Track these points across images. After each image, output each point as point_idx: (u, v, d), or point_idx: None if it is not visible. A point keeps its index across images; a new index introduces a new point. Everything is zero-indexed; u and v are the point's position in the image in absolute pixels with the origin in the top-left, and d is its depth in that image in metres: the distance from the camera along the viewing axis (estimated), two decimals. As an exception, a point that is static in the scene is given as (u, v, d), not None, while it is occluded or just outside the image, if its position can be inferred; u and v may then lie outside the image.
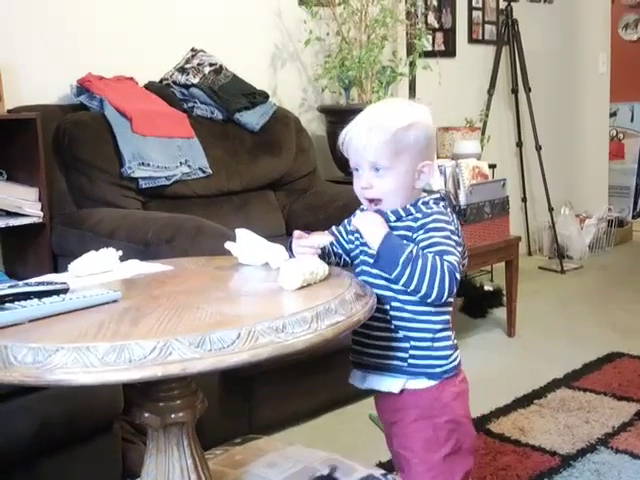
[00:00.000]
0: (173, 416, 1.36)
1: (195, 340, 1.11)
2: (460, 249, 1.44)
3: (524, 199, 5.04)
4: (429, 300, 1.38)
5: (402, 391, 1.48)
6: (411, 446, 1.48)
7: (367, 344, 1.50)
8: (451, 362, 1.49)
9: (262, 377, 2.41)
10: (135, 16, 3.15)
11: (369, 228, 1.42)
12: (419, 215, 1.44)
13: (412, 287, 1.37)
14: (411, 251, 1.36)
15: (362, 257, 1.51)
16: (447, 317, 1.49)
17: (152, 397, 1.36)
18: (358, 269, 1.52)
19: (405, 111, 1.46)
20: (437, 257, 1.36)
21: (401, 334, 1.46)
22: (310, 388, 2.60)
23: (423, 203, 1.46)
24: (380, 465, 2.19)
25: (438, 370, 1.47)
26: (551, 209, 4.77)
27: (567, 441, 2.41)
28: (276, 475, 1.63)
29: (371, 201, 1.47)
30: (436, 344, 1.47)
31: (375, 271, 1.47)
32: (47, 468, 1.89)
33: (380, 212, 1.46)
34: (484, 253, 3.29)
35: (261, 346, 1.15)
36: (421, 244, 1.40)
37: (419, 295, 1.38)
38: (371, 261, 1.46)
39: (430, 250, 1.38)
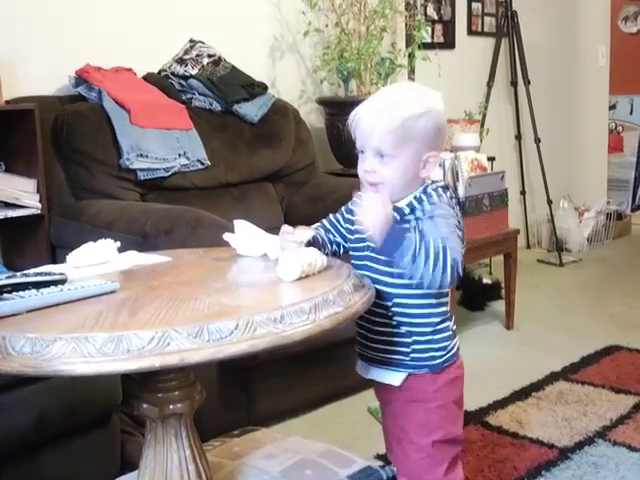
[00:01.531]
0: (171, 407, 1.36)
1: (193, 330, 1.11)
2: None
3: (523, 192, 5.04)
4: (432, 287, 1.37)
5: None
6: (404, 426, 1.50)
7: (370, 338, 1.51)
8: (450, 351, 1.50)
9: (261, 369, 2.41)
10: (134, 7, 3.14)
11: (371, 218, 1.37)
12: (428, 205, 1.43)
13: (415, 275, 1.35)
14: (415, 244, 1.34)
15: (368, 253, 1.49)
16: (446, 308, 1.50)
17: (150, 388, 1.36)
18: (362, 262, 1.51)
19: (418, 99, 1.43)
20: (440, 244, 1.35)
21: (403, 330, 1.47)
22: (309, 380, 2.60)
23: (433, 190, 1.45)
24: (378, 457, 2.19)
25: (439, 361, 1.48)
26: (550, 202, 4.77)
27: (565, 434, 2.42)
28: (274, 466, 1.63)
29: (372, 184, 1.46)
30: (437, 336, 1.48)
31: (378, 267, 1.46)
32: (45, 460, 1.89)
33: (395, 208, 1.44)
34: (483, 246, 3.29)
35: (259, 337, 1.14)
36: (426, 229, 1.39)
37: (422, 283, 1.36)
38: (376, 257, 1.46)
39: (434, 238, 1.37)
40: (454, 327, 1.53)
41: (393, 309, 1.47)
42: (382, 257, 1.45)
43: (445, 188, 1.46)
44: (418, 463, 1.50)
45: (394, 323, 1.47)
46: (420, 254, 1.33)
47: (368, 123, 1.42)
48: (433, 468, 1.50)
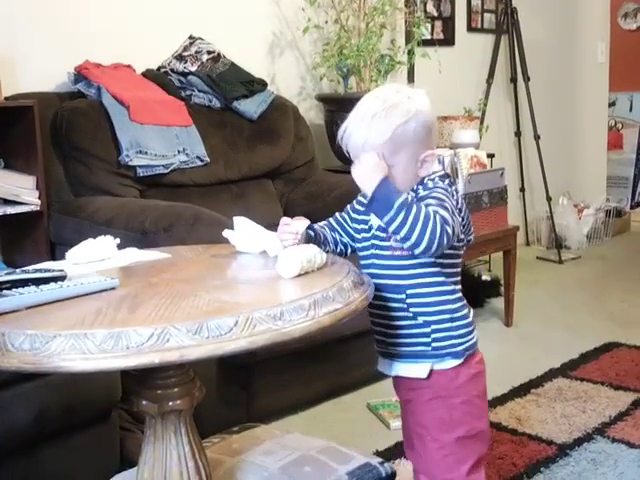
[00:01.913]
0: (171, 404, 1.36)
1: (193, 327, 1.11)
2: (459, 220, 1.43)
3: (522, 189, 5.04)
4: (417, 250, 1.36)
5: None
6: (425, 424, 1.51)
7: (389, 334, 1.52)
8: (471, 339, 1.51)
9: (260, 366, 2.41)
10: (133, 4, 3.13)
11: (365, 174, 1.39)
12: (423, 192, 1.45)
13: (402, 234, 1.35)
14: (406, 198, 1.36)
15: (373, 250, 1.50)
16: (459, 295, 1.51)
17: (150, 385, 1.36)
18: (368, 261, 1.52)
19: (402, 104, 1.43)
20: (431, 210, 1.36)
21: (420, 320, 1.48)
22: (308, 377, 2.60)
23: (430, 179, 1.46)
24: (377, 454, 2.20)
25: (460, 348, 1.49)
26: (549, 199, 4.77)
27: (564, 430, 2.42)
28: (273, 463, 1.63)
29: None
30: (455, 323, 1.49)
31: (385, 262, 1.47)
32: (45, 456, 1.89)
33: None
34: (482, 243, 3.29)
35: (259, 333, 1.15)
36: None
37: (408, 244, 1.35)
38: (382, 253, 1.47)
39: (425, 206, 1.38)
40: (472, 314, 1.54)
41: (408, 301, 1.47)
42: (387, 252, 1.47)
43: (444, 176, 1.48)
44: (441, 461, 1.50)
45: (410, 315, 1.48)
46: (410, 214, 1.33)
47: (359, 137, 1.44)
48: (456, 466, 1.50)
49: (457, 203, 1.44)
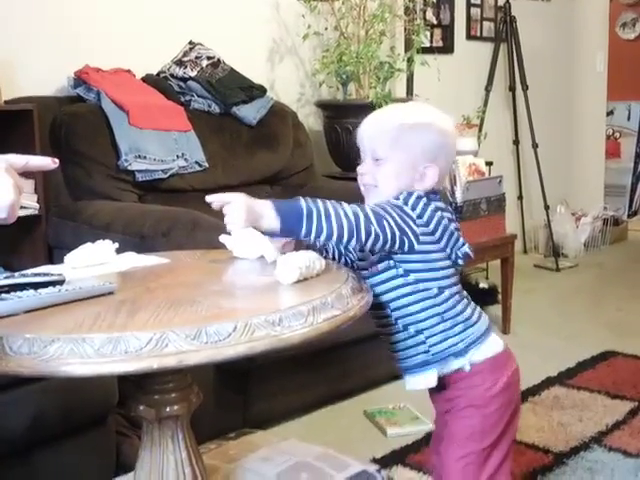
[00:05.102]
0: (168, 409, 1.36)
1: (191, 332, 1.11)
2: (412, 229, 1.40)
3: (520, 197, 5.05)
4: (345, 242, 1.34)
5: (445, 381, 1.49)
6: (457, 431, 1.50)
7: (393, 350, 1.52)
8: (472, 333, 1.48)
9: (257, 371, 2.41)
10: (133, 9, 3.14)
11: (238, 219, 1.33)
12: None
13: (323, 236, 1.33)
14: (315, 204, 1.34)
15: (358, 270, 1.51)
16: (446, 294, 1.47)
17: (147, 390, 1.36)
18: None
19: (419, 112, 1.49)
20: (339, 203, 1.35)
21: (412, 330, 1.47)
22: (305, 383, 2.60)
23: (406, 194, 1.43)
24: (374, 461, 2.20)
25: (462, 345, 1.47)
26: (547, 207, 4.78)
27: (560, 439, 2.42)
28: (270, 469, 1.62)
29: (366, 187, 1.50)
30: (448, 322, 1.47)
31: (369, 280, 1.47)
32: (41, 461, 1.89)
33: None
34: (480, 250, 3.27)
35: (257, 339, 1.14)
36: None
37: (333, 239, 1.33)
38: (363, 272, 1.48)
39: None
40: (473, 308, 1.52)
41: (394, 314, 1.47)
42: (365, 271, 1.48)
43: (423, 197, 1.43)
44: (464, 470, 1.49)
45: (401, 328, 1.48)
46: (329, 212, 1.33)
47: (366, 129, 1.50)
48: (477, 474, 1.50)
49: (414, 217, 1.40)
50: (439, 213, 1.44)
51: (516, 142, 5.01)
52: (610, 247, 5.37)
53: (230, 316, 1.17)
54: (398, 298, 1.46)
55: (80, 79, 2.84)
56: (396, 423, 2.52)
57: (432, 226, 1.42)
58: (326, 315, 1.24)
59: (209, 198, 1.42)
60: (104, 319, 1.17)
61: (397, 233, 1.37)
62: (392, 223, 1.36)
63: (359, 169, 1.51)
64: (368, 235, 1.34)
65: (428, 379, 1.49)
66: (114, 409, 2.04)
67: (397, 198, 1.43)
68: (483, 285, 3.94)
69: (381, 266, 1.45)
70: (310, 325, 1.21)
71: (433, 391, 1.55)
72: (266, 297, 1.35)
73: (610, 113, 6.14)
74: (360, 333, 2.53)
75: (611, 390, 2.80)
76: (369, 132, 1.48)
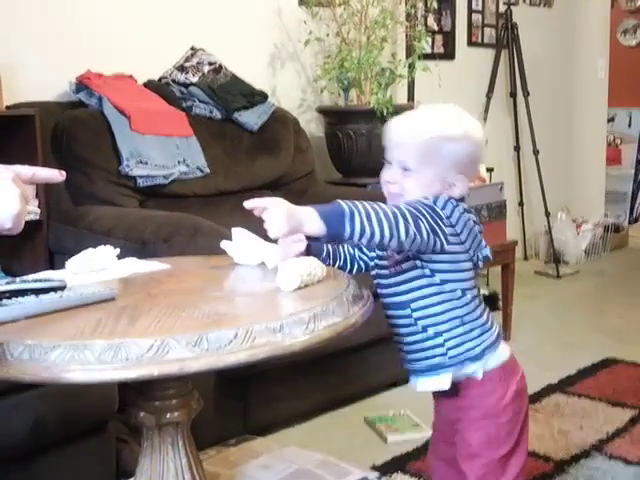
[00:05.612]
0: (168, 416, 1.36)
1: (192, 339, 1.11)
2: (444, 230, 1.39)
3: (521, 203, 5.05)
4: (387, 243, 1.32)
5: (460, 387, 1.48)
6: (472, 442, 1.49)
7: (406, 350, 1.51)
8: (488, 337, 1.47)
9: (258, 378, 2.41)
10: (135, 14, 3.14)
11: (278, 226, 1.30)
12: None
13: (366, 237, 1.30)
14: (356, 205, 1.30)
15: (377, 270, 1.50)
16: (469, 297, 1.46)
17: (148, 396, 1.36)
18: (376, 280, 1.52)
19: (452, 121, 1.44)
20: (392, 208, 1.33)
21: (431, 332, 1.46)
22: (306, 390, 2.59)
23: (435, 196, 1.42)
24: (374, 468, 2.19)
25: (478, 350, 1.46)
26: (548, 214, 4.78)
27: (561, 447, 2.41)
28: (270, 476, 1.62)
29: (392, 195, 1.46)
30: (468, 326, 1.46)
31: (388, 281, 1.47)
32: (41, 467, 1.88)
33: None
34: (481, 257, 3.29)
35: (258, 346, 1.14)
36: None
37: (375, 239, 1.31)
38: (383, 272, 1.47)
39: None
40: (488, 312, 1.51)
41: (414, 315, 1.46)
42: (384, 271, 1.47)
43: (452, 201, 1.42)
44: (481, 477, 1.48)
45: (420, 329, 1.46)
46: (371, 213, 1.30)
47: (397, 134, 1.44)
48: None
49: (444, 218, 1.39)
50: (466, 215, 1.43)
51: (517, 148, 5.02)
52: (611, 254, 5.36)
53: (231, 323, 1.17)
54: (421, 298, 1.45)
55: (82, 84, 2.84)
56: (396, 430, 2.51)
57: (459, 227, 1.42)
58: (327, 322, 1.24)
59: (248, 204, 1.38)
60: (105, 325, 1.17)
61: (431, 234, 1.36)
62: (426, 223, 1.35)
63: (384, 176, 1.47)
64: (407, 235, 1.32)
65: (442, 382, 1.47)
66: (114, 415, 2.03)
67: (426, 197, 1.41)
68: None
69: (405, 265, 1.44)
70: (311, 332, 1.21)
71: (441, 396, 1.54)
72: (267, 304, 1.35)
73: (611, 120, 6.14)
74: (360, 340, 2.55)
75: (612, 398, 2.79)
76: (400, 140, 1.43)
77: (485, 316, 1.50)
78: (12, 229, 1.15)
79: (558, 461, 2.31)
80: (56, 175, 1.28)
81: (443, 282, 1.43)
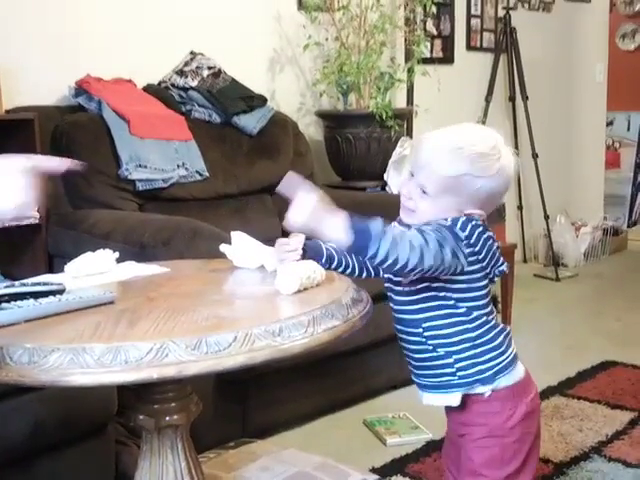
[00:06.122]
0: (168, 419, 1.36)
1: (191, 342, 1.11)
2: (465, 251, 1.37)
3: (520, 207, 5.05)
4: (408, 271, 1.30)
5: (466, 402, 1.46)
6: (475, 459, 1.46)
7: (415, 366, 1.50)
8: (501, 362, 1.45)
9: (257, 381, 2.41)
10: (134, 18, 3.15)
11: (315, 216, 1.26)
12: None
13: (388, 262, 1.27)
14: (383, 226, 1.28)
15: (389, 284, 1.48)
16: (483, 320, 1.44)
17: (147, 399, 1.37)
18: (388, 294, 1.50)
19: (490, 160, 1.38)
20: (415, 232, 1.31)
21: (441, 351, 1.44)
22: (305, 392, 2.59)
23: (454, 217, 1.38)
24: (373, 470, 2.19)
25: (489, 373, 1.44)
26: (547, 217, 4.78)
27: (560, 449, 2.41)
28: (269, 479, 1.62)
29: (406, 208, 1.43)
30: (480, 349, 1.43)
31: (401, 298, 1.45)
32: (40, 469, 1.88)
33: None
34: (480, 260, 3.29)
35: (257, 349, 1.15)
36: None
37: (397, 267, 1.29)
38: (396, 287, 1.45)
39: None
40: (505, 335, 1.48)
41: (425, 334, 1.44)
42: (399, 287, 1.45)
43: (471, 221, 1.38)
44: None
45: (430, 348, 1.44)
46: (397, 240, 1.26)
47: (426, 156, 1.39)
48: None
49: (463, 240, 1.36)
50: (485, 234, 1.40)
51: (516, 152, 5.01)
52: (610, 257, 5.37)
53: (230, 326, 1.17)
54: (434, 319, 1.43)
55: (81, 88, 2.85)
56: (395, 432, 2.51)
57: (479, 247, 1.39)
58: (326, 325, 1.25)
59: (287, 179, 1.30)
60: (104, 329, 1.18)
61: (452, 258, 1.33)
62: (449, 250, 1.32)
63: (403, 188, 1.44)
64: (430, 266, 1.30)
65: (450, 400, 1.46)
66: (114, 418, 2.04)
67: (445, 219, 1.37)
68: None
69: (420, 285, 1.41)
70: (310, 335, 1.21)
71: (448, 409, 1.52)
72: (266, 307, 1.35)
73: (610, 123, 6.15)
74: (360, 342, 2.55)
75: (611, 400, 2.80)
76: (426, 162, 1.38)
77: (501, 338, 1.46)
78: (18, 218, 1.18)
79: (557, 463, 2.31)
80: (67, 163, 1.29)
81: (457, 303, 1.41)
